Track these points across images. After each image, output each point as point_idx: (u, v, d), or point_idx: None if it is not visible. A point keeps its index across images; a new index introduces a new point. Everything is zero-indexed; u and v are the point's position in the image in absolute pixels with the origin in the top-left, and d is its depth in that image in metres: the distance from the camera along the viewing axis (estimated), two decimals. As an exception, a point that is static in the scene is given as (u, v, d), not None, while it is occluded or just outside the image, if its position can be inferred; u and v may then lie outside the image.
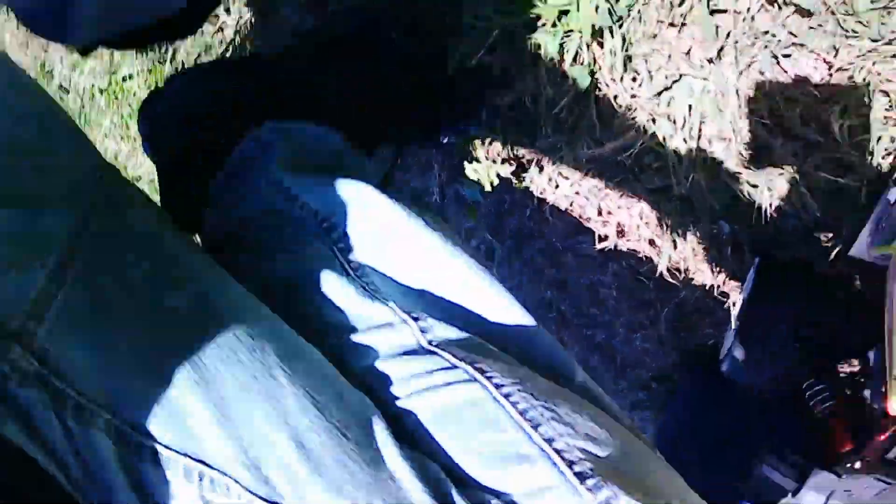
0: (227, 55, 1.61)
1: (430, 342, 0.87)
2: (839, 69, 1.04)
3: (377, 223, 0.95)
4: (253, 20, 1.56)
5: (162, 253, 0.87)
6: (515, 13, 1.15)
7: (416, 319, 0.88)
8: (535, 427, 0.80)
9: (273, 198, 1.01)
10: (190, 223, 1.12)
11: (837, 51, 1.03)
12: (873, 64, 1.01)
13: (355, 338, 0.90)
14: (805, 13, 1.03)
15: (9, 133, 0.75)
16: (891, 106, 1.02)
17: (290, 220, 0.99)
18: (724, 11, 1.07)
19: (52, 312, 0.72)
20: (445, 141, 1.42)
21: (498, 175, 1.38)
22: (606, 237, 1.36)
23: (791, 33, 1.04)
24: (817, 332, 1.17)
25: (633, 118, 1.18)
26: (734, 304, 1.27)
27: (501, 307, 0.91)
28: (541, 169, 1.37)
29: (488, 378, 0.82)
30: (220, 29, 1.59)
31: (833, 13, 1.01)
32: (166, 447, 0.76)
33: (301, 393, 0.82)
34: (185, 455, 0.77)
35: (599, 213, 1.35)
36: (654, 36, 1.10)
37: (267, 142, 1.08)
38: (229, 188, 1.09)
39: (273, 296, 0.91)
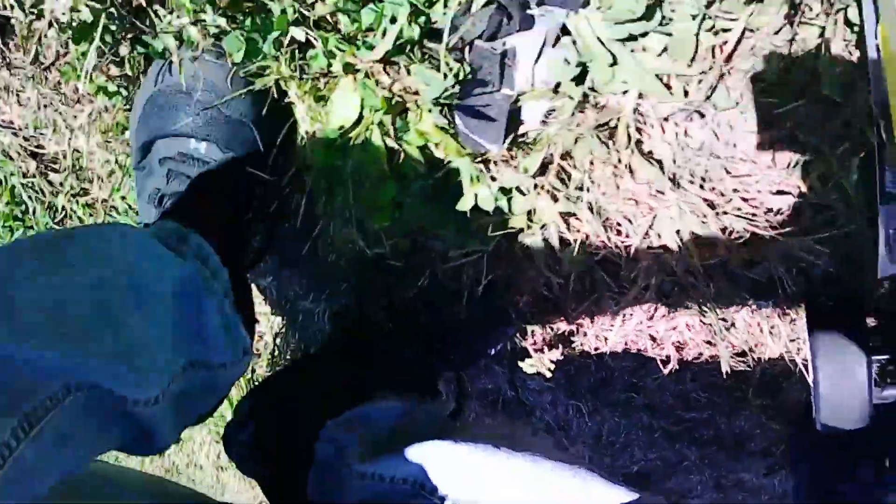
0: (275, 355, 1.65)
1: None
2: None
3: (462, 467, 0.98)
4: (283, 320, 1.59)
5: None
6: (493, 235, 1.15)
7: None
8: None
9: (366, 487, 1.05)
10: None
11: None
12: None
13: None
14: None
15: None
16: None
17: (389, 498, 1.02)
18: (653, 146, 1.07)
19: None
20: (493, 353, 1.41)
21: (551, 360, 1.37)
22: (669, 357, 1.34)
23: (729, 126, 1.03)
24: (886, 347, 1.14)
25: (638, 262, 1.17)
26: (805, 360, 1.25)
27: (598, 493, 0.92)
28: (585, 334, 1.36)
29: None
30: (260, 336, 1.62)
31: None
32: None
33: None
34: None
35: (653, 340, 1.34)
36: (617, 188, 1.10)
37: (338, 438, 1.12)
38: (324, 491, 1.13)
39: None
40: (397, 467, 1.01)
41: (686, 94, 1.00)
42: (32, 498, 0.71)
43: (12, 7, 1.17)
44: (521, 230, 1.15)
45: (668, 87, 1.00)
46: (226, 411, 1.76)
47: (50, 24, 1.16)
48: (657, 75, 0.99)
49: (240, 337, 1.07)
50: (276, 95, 1.12)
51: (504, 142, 1.05)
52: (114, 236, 0.96)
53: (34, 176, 1.49)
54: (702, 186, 1.07)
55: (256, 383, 1.62)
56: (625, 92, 1.01)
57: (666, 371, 1.35)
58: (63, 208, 1.51)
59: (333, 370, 1.32)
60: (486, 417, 1.64)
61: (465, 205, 1.11)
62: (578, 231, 1.14)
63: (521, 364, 1.41)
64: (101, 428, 0.84)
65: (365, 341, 1.35)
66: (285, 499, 1.21)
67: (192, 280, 0.99)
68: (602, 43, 0.97)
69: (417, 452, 1.00)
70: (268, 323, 1.60)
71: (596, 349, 1.39)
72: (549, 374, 1.39)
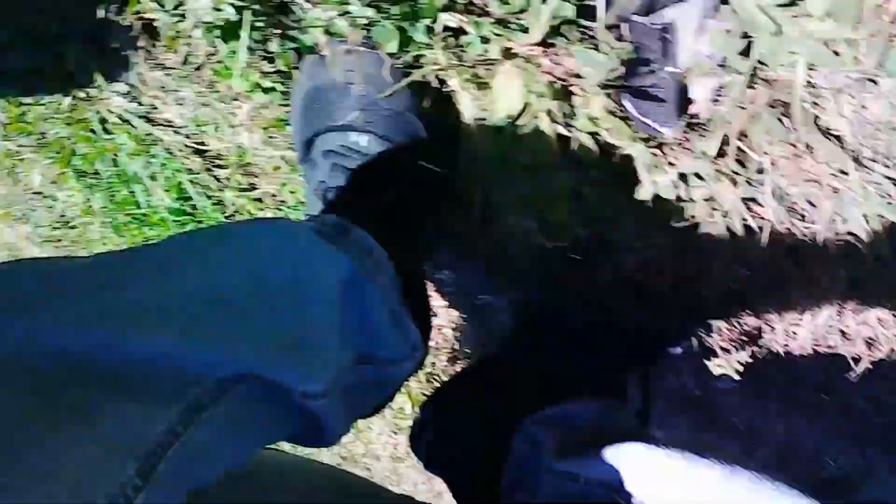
0: (455, 349, 1.67)
1: None
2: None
3: (659, 472, 0.97)
4: (462, 313, 1.61)
5: None
6: (668, 224, 1.16)
7: None
8: None
9: (560, 486, 1.05)
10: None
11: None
12: None
13: None
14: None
15: None
16: None
17: (582, 498, 1.03)
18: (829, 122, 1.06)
19: None
20: (680, 351, 1.42)
21: (739, 362, 1.37)
22: (859, 357, 1.32)
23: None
24: None
25: (826, 250, 1.16)
26: None
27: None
28: (773, 329, 1.35)
29: None
30: (439, 329, 1.65)
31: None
32: None
33: None
34: None
35: (844, 336, 1.32)
36: (798, 169, 1.09)
37: (536, 435, 1.13)
38: (518, 486, 1.15)
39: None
40: (592, 468, 1.02)
41: (856, 61, 0.98)
42: (200, 485, 0.74)
43: (154, 10, 1.22)
44: (703, 220, 1.16)
45: (836, 53, 0.98)
46: (405, 404, 1.83)
47: (195, 25, 1.21)
48: (824, 42, 0.97)
49: (409, 332, 1.10)
50: (437, 84, 1.15)
51: (678, 124, 1.05)
52: (274, 230, 0.99)
53: (200, 172, 1.56)
54: (886, 165, 1.05)
55: (438, 379, 1.68)
56: (793, 64, 1.00)
57: (858, 370, 1.32)
58: (232, 203, 1.58)
59: (517, 367, 1.35)
60: (672, 419, 1.63)
61: (643, 194, 1.12)
62: (762, 218, 1.13)
63: (708, 364, 1.41)
64: (270, 418, 0.87)
65: (548, 336, 1.38)
66: (473, 497, 1.24)
67: (356, 274, 1.00)
68: (762, 10, 0.96)
69: (613, 454, 1.01)
70: (447, 316, 1.63)
71: (785, 346, 1.37)
72: (737, 377, 1.39)
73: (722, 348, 1.39)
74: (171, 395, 0.72)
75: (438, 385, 1.56)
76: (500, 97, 1.10)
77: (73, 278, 0.79)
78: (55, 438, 0.61)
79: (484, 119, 1.15)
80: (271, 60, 1.28)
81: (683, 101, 1.07)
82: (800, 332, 1.32)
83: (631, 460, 0.99)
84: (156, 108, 1.52)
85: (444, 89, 1.17)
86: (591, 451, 1.03)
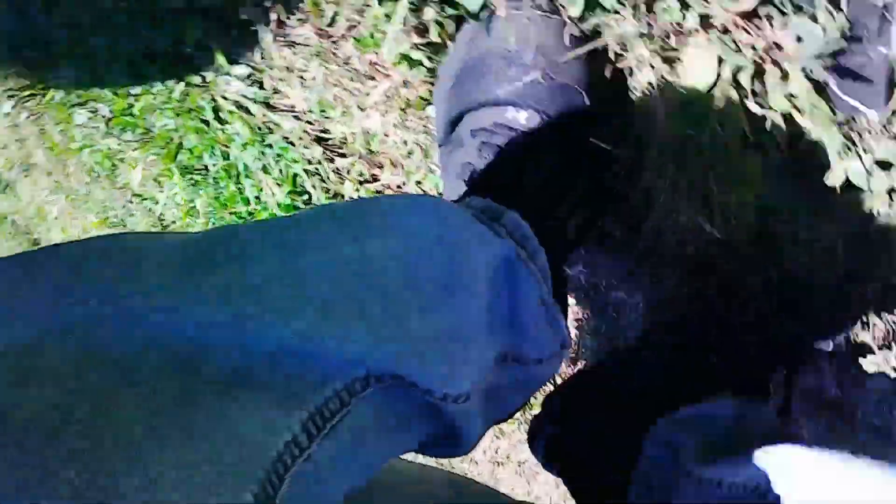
0: (578, 347, 1.56)
1: None
2: None
3: (805, 473, 0.91)
4: (590, 309, 1.50)
5: None
6: (844, 216, 1.08)
7: None
8: None
9: (702, 492, 0.99)
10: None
11: None
12: None
13: None
14: None
15: None
16: None
17: None
18: None
19: None
20: (831, 348, 1.30)
21: (898, 358, 1.28)
22: None
23: None
24: None
25: None
26: None
27: None
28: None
29: None
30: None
31: None
32: None
33: None
34: None
35: None
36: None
37: (672, 439, 1.06)
38: (651, 494, 1.07)
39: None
40: (736, 472, 0.96)
41: None
42: None
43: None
44: (878, 211, 1.06)
45: None
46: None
47: (347, -17, 1.12)
48: None
49: (560, 326, 1.01)
50: (612, 56, 1.05)
51: (885, 107, 0.96)
52: (423, 207, 0.86)
53: (319, 162, 1.46)
54: None
55: (553, 381, 1.57)
56: None
57: None
58: (350, 197, 1.48)
59: (649, 366, 1.26)
60: (814, 416, 1.55)
61: (834, 179, 1.02)
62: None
63: (861, 361, 1.30)
64: (402, 426, 0.77)
65: (688, 334, 1.28)
66: (595, 498, 1.17)
67: (510, 262, 0.91)
68: None
69: (761, 457, 0.94)
70: (572, 314, 1.51)
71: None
72: (893, 374, 1.28)
73: (879, 346, 1.29)
74: (293, 399, 0.62)
75: (558, 383, 1.45)
76: (692, 70, 1.01)
77: (183, 253, 0.68)
78: (155, 453, 0.52)
79: (666, 95, 1.04)
80: (421, 32, 1.17)
81: (891, 85, 0.97)
82: None
83: (781, 463, 0.93)
84: (278, 93, 1.43)
85: (619, 61, 1.06)
86: (734, 454, 0.98)
